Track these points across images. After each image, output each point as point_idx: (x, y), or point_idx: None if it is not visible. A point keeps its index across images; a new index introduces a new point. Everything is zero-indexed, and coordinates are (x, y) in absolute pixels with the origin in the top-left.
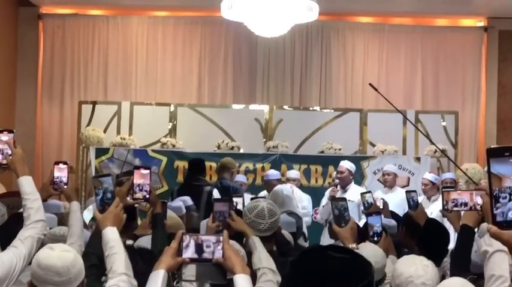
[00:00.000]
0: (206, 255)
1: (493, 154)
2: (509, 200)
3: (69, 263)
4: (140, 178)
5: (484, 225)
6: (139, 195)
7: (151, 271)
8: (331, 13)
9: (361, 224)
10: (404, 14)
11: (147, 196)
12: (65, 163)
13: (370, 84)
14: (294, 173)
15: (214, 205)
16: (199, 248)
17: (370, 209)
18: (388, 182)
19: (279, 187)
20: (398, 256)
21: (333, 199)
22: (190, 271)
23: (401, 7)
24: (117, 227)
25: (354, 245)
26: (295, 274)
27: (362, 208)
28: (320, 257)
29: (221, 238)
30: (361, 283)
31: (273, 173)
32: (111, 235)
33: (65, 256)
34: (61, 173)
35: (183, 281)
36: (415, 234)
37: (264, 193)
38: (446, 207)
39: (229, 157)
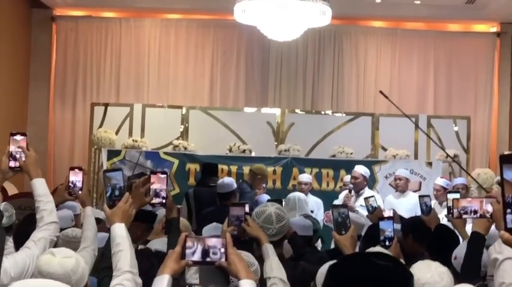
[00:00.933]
0: (209, 258)
1: (505, 161)
2: None
3: (70, 270)
4: (157, 182)
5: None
6: (156, 200)
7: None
8: (343, 17)
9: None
10: (417, 19)
11: (164, 201)
12: (80, 169)
13: (381, 92)
14: (305, 177)
15: (230, 209)
16: (202, 251)
17: (374, 213)
18: (400, 186)
19: (292, 193)
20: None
21: (333, 206)
22: (193, 275)
23: (414, 12)
24: (125, 224)
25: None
26: (336, 278)
27: (366, 212)
28: (363, 263)
29: (225, 242)
30: None
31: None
32: (119, 231)
33: (66, 262)
34: (76, 178)
35: (187, 285)
36: (425, 240)
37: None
38: (455, 214)
39: (241, 159)
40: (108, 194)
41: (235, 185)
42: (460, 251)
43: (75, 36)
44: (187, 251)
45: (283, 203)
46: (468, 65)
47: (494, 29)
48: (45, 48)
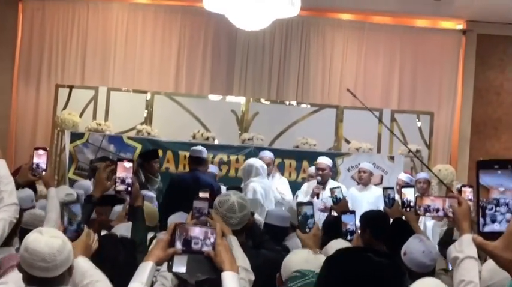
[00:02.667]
0: (198, 247)
1: (482, 166)
2: (495, 211)
3: (56, 250)
4: (123, 171)
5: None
6: (121, 187)
7: (140, 262)
8: (312, 9)
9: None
10: (384, 13)
11: (129, 189)
12: (44, 149)
13: (348, 90)
14: (268, 153)
15: (194, 202)
16: (191, 240)
17: (339, 204)
18: (363, 179)
19: (252, 159)
20: None
21: (298, 204)
22: (181, 263)
23: (382, 6)
24: (87, 256)
25: (318, 251)
26: (332, 271)
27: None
28: (359, 258)
29: (214, 232)
30: None
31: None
32: (85, 264)
33: (53, 242)
34: (40, 159)
35: (173, 273)
36: (383, 236)
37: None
38: (418, 211)
39: (204, 147)
40: (73, 228)
41: (206, 154)
42: (409, 246)
43: (41, 16)
44: (176, 239)
45: (241, 170)
46: (433, 61)
47: (460, 27)
48: (10, 28)
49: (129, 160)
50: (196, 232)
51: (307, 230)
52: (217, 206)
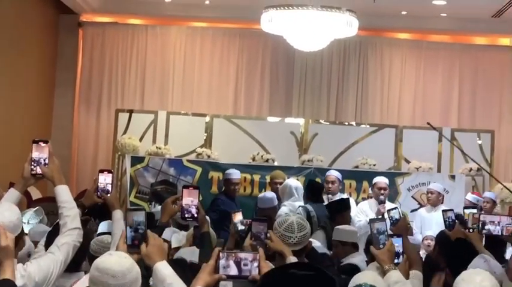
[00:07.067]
0: (243, 272)
1: None
2: None
3: (126, 269)
4: (189, 196)
5: None
6: (187, 214)
7: None
8: (369, 29)
9: None
10: (442, 32)
11: (196, 215)
12: (109, 172)
13: (428, 123)
14: (334, 172)
15: (253, 224)
16: (236, 265)
17: (396, 225)
18: (431, 200)
19: (289, 179)
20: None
21: (371, 220)
22: None
23: (439, 24)
24: (165, 260)
25: (392, 266)
26: None
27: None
28: (283, 277)
29: (258, 256)
30: None
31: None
32: (165, 270)
33: (123, 261)
34: (105, 181)
35: None
36: (446, 254)
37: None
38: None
39: (264, 169)
40: (127, 234)
41: (276, 201)
42: (473, 267)
43: (101, 42)
44: (221, 265)
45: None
46: (493, 79)
47: None
48: (71, 53)
49: (195, 187)
50: (246, 256)
51: (381, 246)
52: (276, 226)
